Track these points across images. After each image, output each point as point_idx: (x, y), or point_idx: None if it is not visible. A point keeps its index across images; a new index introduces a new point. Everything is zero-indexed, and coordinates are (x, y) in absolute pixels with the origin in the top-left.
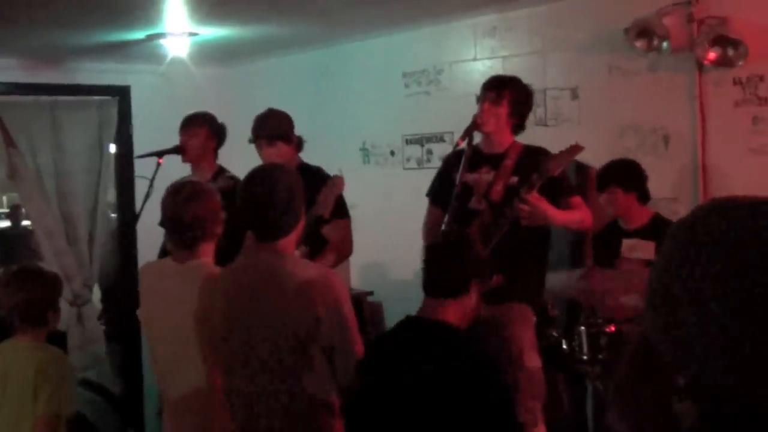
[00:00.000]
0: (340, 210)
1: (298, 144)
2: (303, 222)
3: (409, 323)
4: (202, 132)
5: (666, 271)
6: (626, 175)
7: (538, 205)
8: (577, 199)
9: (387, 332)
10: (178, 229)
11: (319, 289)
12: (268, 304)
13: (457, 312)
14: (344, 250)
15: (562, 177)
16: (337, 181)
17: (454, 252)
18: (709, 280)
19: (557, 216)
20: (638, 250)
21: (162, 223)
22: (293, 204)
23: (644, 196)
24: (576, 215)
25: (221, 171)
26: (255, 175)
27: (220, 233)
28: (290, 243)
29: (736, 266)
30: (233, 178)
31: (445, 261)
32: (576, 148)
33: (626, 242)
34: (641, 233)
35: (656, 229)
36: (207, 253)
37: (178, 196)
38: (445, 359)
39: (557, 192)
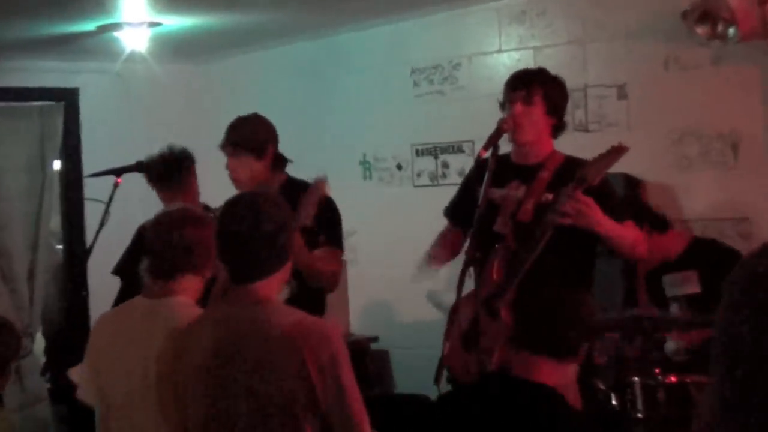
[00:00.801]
0: (334, 236)
1: (276, 161)
2: (290, 265)
3: (500, 383)
4: (191, 184)
5: None
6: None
7: (587, 202)
8: (629, 222)
9: (462, 393)
10: (158, 255)
11: (309, 342)
12: (248, 364)
13: (557, 376)
14: (330, 281)
15: (609, 193)
16: (319, 185)
17: (575, 305)
18: None
19: (607, 224)
20: (678, 284)
21: (118, 272)
22: (280, 241)
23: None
24: (629, 231)
25: (205, 210)
26: (236, 203)
27: (209, 276)
28: (272, 286)
29: None
30: (209, 209)
31: (560, 310)
32: (619, 150)
33: (665, 279)
34: (681, 263)
35: (696, 255)
36: (188, 289)
37: (166, 219)
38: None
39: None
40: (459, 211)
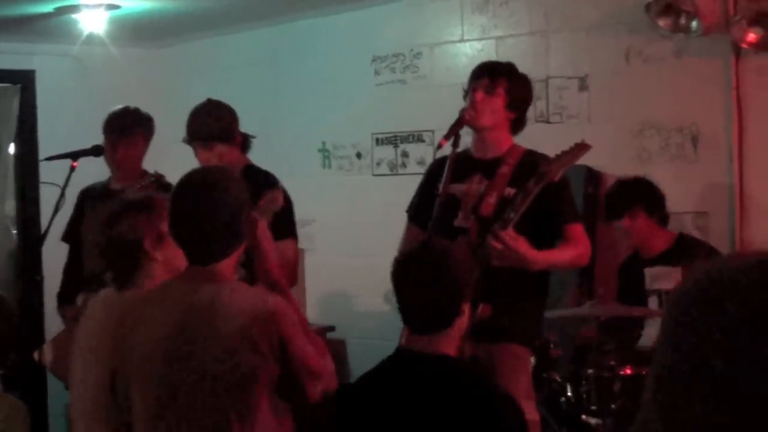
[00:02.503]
0: (283, 227)
1: (243, 143)
2: (245, 243)
3: (403, 359)
4: (141, 140)
5: None
6: (649, 194)
7: (513, 245)
8: (576, 228)
9: (371, 374)
10: (110, 261)
11: (261, 320)
12: (201, 342)
13: (452, 339)
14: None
15: (563, 195)
16: (275, 197)
17: (434, 270)
18: None
19: (538, 259)
20: (663, 278)
21: (66, 238)
22: (238, 220)
23: (665, 218)
24: (567, 254)
25: (145, 174)
26: (191, 180)
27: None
28: (229, 267)
29: None
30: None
31: (425, 285)
32: (582, 147)
33: (650, 272)
34: (666, 258)
35: (682, 251)
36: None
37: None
38: (461, 403)
39: (553, 213)
40: (420, 210)
